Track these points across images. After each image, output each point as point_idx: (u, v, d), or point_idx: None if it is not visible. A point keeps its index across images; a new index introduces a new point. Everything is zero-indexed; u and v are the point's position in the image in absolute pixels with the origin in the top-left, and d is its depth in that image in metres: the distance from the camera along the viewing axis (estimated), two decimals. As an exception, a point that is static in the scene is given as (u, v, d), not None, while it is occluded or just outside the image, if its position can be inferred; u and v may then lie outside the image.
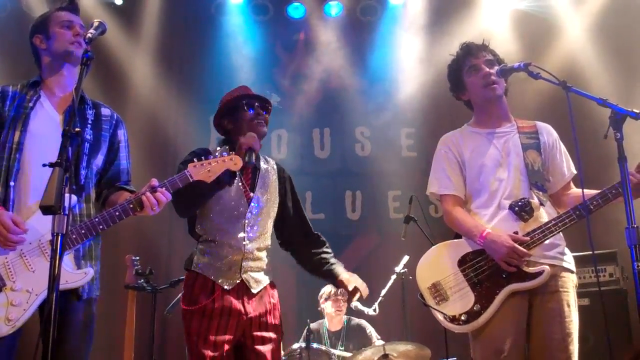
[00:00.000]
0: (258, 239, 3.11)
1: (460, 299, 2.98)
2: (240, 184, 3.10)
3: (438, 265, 3.09)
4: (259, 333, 3.02)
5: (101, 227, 2.63)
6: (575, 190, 3.15)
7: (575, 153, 2.78)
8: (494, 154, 3.12)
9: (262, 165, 3.25)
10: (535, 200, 2.99)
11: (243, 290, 3.03)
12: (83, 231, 2.61)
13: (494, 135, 3.17)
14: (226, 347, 2.93)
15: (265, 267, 3.15)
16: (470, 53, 3.20)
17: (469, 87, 3.21)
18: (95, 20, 2.60)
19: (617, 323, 4.87)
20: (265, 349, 3.02)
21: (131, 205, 2.65)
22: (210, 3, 7.17)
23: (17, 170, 2.66)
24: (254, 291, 3.04)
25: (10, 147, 2.68)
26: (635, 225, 2.40)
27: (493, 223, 3.02)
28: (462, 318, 2.95)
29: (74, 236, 2.59)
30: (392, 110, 7.13)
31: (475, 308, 2.93)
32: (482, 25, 6.78)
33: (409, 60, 7.06)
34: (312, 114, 7.25)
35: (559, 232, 2.94)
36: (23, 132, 2.70)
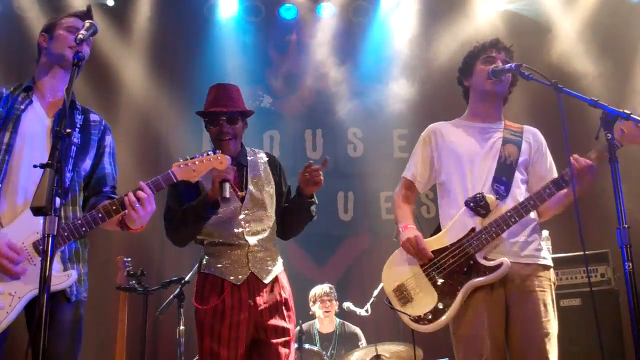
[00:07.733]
0: (261, 231, 3.14)
1: (424, 299, 2.99)
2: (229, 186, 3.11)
3: (401, 267, 3.11)
4: (272, 323, 3.03)
5: (84, 229, 2.62)
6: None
7: (566, 153, 2.78)
8: (475, 147, 3.13)
9: (249, 158, 3.26)
10: (492, 195, 2.99)
11: (254, 283, 3.05)
12: (66, 234, 2.59)
13: (481, 130, 3.19)
14: (240, 343, 2.95)
15: (274, 255, 3.18)
16: (495, 46, 3.22)
17: (475, 74, 3.20)
18: (87, 21, 2.60)
19: (609, 323, 4.87)
20: (279, 340, 3.03)
21: (114, 207, 2.64)
22: (202, 4, 7.15)
23: (5, 172, 2.64)
24: (266, 281, 3.07)
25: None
26: (626, 225, 2.41)
27: (455, 218, 3.04)
28: (427, 317, 2.95)
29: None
30: (384, 111, 7.13)
31: (439, 306, 2.95)
32: (473, 26, 6.80)
33: (401, 61, 7.06)
34: (304, 115, 7.24)
35: (515, 223, 2.92)
36: (13, 134, 2.67)
